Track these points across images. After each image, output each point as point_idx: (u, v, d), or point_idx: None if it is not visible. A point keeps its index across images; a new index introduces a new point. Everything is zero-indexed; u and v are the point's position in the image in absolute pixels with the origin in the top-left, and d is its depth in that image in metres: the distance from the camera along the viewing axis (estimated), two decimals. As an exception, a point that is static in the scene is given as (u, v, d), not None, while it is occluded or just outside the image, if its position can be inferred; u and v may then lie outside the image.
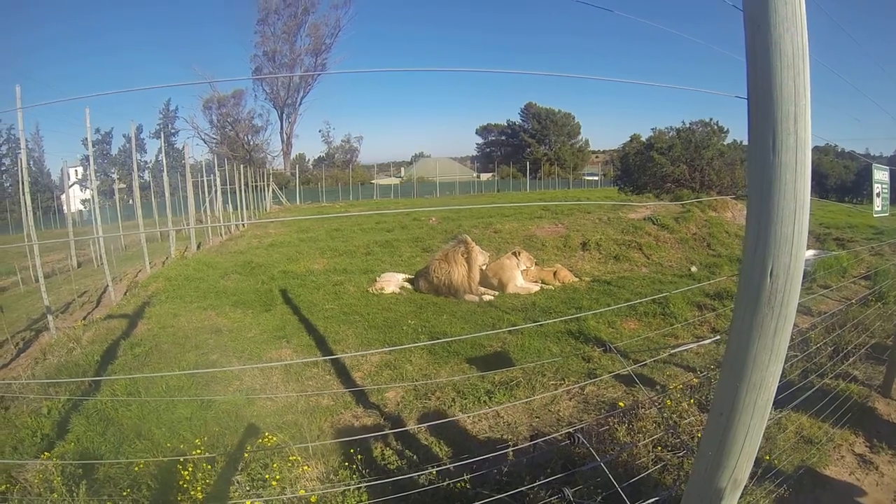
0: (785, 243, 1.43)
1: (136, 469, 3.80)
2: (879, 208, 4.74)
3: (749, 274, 1.47)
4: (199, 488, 3.38)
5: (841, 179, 41.75)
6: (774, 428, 4.06)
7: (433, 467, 3.62)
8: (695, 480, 1.67)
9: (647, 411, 4.06)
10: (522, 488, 3.13)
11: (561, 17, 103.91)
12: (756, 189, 1.45)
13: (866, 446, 4.11)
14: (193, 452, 3.67)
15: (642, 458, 3.45)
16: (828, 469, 3.81)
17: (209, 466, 3.63)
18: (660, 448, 3.59)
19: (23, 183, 8.65)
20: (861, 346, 5.65)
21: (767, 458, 3.31)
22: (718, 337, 5.59)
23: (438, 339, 6.36)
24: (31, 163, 47.23)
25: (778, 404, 3.52)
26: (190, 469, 3.50)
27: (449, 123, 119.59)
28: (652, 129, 28.06)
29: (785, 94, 1.39)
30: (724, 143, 24.68)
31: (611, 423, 3.95)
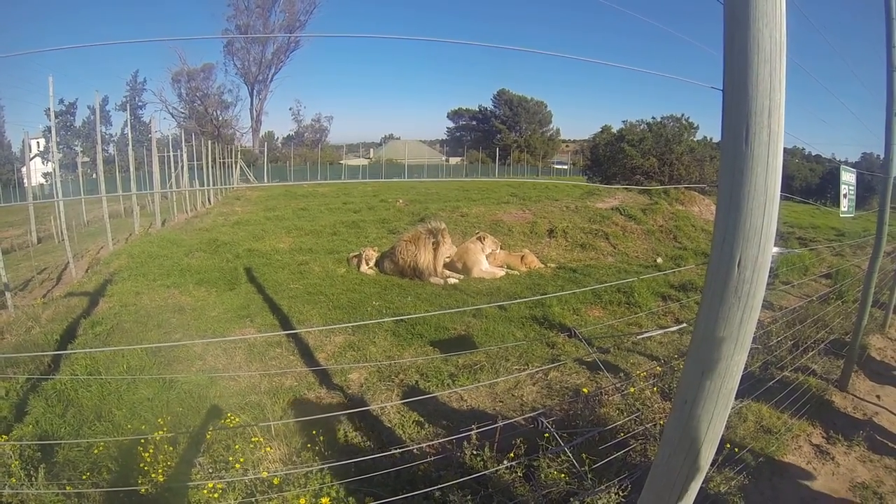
0: (754, 235, 1.44)
1: (96, 452, 3.72)
2: (846, 209, 4.87)
3: (717, 263, 1.49)
4: (160, 470, 3.33)
5: (806, 182, 42.77)
6: (735, 417, 4.17)
7: (396, 449, 3.62)
8: (658, 465, 1.69)
9: (611, 398, 4.12)
10: (486, 472, 3.15)
11: (542, 9, 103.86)
12: (727, 180, 1.46)
13: (823, 437, 4.25)
14: (155, 434, 3.60)
15: (606, 443, 3.50)
16: (786, 458, 3.93)
17: (171, 448, 3.58)
18: (622, 434, 3.64)
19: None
20: (820, 342, 5.81)
21: (728, 445, 3.38)
22: (684, 325, 5.68)
23: (403, 318, 6.36)
24: (-9, 133, 45.57)
25: (739, 394, 3.59)
26: (151, 451, 3.44)
27: (420, 106, 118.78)
28: (623, 121, 28.33)
29: (761, 88, 1.40)
30: (695, 139, 25.03)
31: (575, 409, 3.99)
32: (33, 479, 3.28)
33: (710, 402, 1.54)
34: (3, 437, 3.85)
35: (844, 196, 4.86)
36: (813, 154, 42.29)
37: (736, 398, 1.60)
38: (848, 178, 4.94)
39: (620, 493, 2.91)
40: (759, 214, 1.44)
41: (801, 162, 44.12)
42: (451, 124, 77.94)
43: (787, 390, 4.47)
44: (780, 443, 4.04)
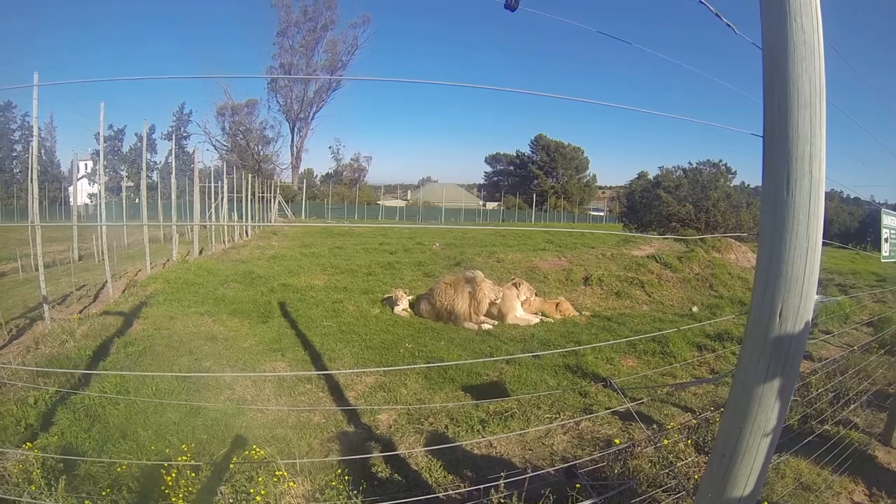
0: (795, 284, 1.41)
1: (119, 469, 3.74)
2: (887, 254, 4.73)
3: (758, 313, 1.45)
4: (181, 495, 3.32)
5: (845, 226, 41.52)
6: (773, 473, 3.99)
7: (422, 494, 3.55)
8: (691, 523, 1.62)
9: (644, 450, 4.00)
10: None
11: (578, 46, 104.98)
12: (768, 228, 1.44)
13: (865, 495, 4.03)
14: (179, 458, 3.60)
15: (635, 497, 3.38)
16: (825, 518, 3.74)
17: (193, 474, 3.57)
18: (653, 488, 3.52)
19: (31, 169, 8.69)
20: (862, 393, 5.58)
21: (766, 503, 3.23)
22: (719, 376, 5.51)
23: (435, 362, 6.31)
24: (43, 152, 47.49)
25: (777, 449, 3.44)
26: (173, 475, 3.44)
27: (458, 150, 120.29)
28: (659, 167, 28.34)
29: (801, 134, 1.38)
30: (731, 184, 24.81)
31: (606, 460, 3.88)
32: (53, 488, 3.30)
33: (748, 456, 1.48)
34: (28, 444, 3.90)
35: (886, 240, 4.72)
36: (851, 197, 41.17)
37: (774, 453, 1.54)
38: (890, 221, 4.80)
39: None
40: (801, 262, 1.40)
41: (839, 205, 42.91)
42: (489, 168, 78.63)
43: (827, 445, 4.27)
44: (820, 501, 3.84)
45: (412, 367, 6.29)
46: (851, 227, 40.99)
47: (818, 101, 1.38)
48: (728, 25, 1.76)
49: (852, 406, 5.34)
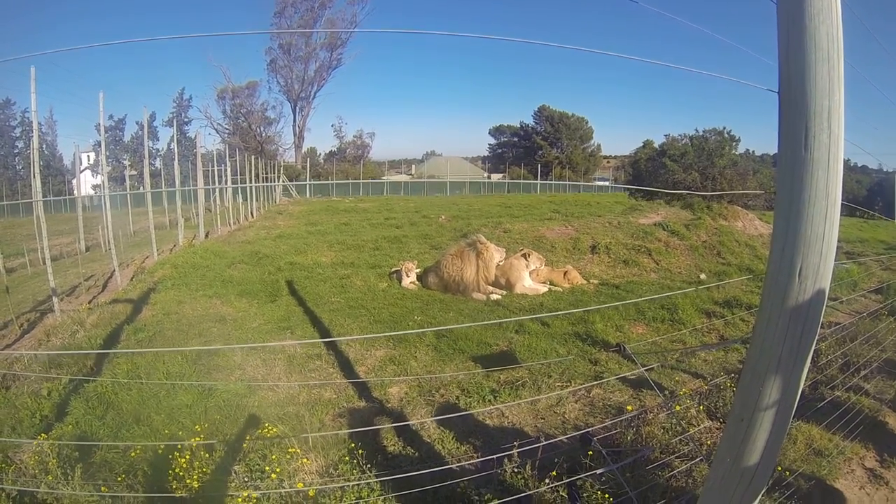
0: (815, 242, 1.36)
1: (133, 455, 3.77)
2: (901, 219, 4.67)
3: (776, 274, 1.40)
4: (195, 477, 3.33)
5: (853, 193, 41.12)
6: (785, 438, 3.98)
7: (435, 465, 3.56)
8: (711, 488, 1.60)
9: (656, 416, 3.99)
10: (530, 492, 3.06)
11: (583, 13, 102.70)
12: (786, 186, 1.39)
13: (877, 460, 4.02)
14: (192, 440, 3.62)
15: (650, 463, 3.38)
16: (838, 482, 3.73)
17: (207, 455, 3.58)
18: (667, 454, 3.51)
19: (34, 164, 8.67)
20: (873, 361, 5.54)
21: (779, 468, 3.22)
22: (730, 342, 5.48)
23: (444, 333, 6.29)
24: (44, 146, 47.45)
25: (790, 415, 3.41)
26: (187, 457, 3.45)
27: (462, 123, 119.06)
28: (665, 135, 28.01)
29: (819, 88, 1.32)
30: (736, 152, 24.57)
31: (619, 427, 3.88)
32: (69, 477, 3.32)
33: (767, 419, 1.45)
34: (43, 435, 3.93)
35: (900, 206, 4.66)
36: (859, 165, 40.72)
37: (790, 417, 1.51)
38: None
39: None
40: (821, 221, 1.36)
41: (846, 173, 42.46)
42: (493, 141, 77.92)
43: (838, 411, 4.25)
44: (832, 466, 3.84)
45: (420, 330, 6.30)
46: (859, 194, 40.55)
47: (836, 54, 1.32)
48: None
49: (863, 373, 5.30)
